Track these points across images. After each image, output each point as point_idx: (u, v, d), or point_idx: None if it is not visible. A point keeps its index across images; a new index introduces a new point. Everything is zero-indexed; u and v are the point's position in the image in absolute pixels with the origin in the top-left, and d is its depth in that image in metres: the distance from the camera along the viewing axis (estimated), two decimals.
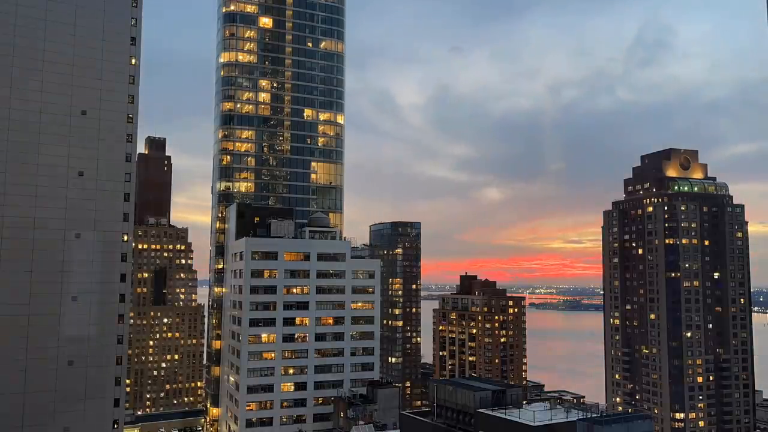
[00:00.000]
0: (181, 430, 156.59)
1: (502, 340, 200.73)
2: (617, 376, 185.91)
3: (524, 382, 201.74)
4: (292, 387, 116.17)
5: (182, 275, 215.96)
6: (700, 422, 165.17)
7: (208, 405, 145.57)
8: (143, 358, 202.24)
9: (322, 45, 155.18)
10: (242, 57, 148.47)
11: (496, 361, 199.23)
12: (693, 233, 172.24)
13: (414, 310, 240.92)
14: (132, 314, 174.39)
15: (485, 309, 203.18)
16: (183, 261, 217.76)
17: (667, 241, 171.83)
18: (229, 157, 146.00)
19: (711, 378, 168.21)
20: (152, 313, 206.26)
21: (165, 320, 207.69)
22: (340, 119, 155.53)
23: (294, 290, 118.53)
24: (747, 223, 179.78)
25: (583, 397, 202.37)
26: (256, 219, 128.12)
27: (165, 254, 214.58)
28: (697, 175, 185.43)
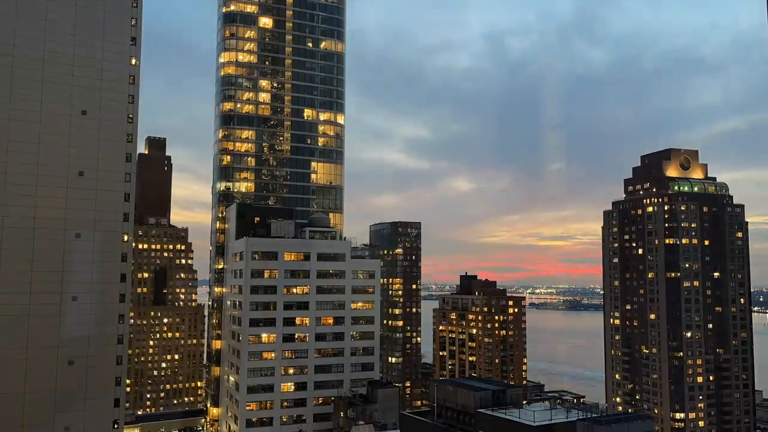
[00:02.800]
0: (181, 430, 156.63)
1: (502, 340, 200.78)
2: (617, 376, 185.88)
3: (524, 382, 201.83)
4: (292, 387, 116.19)
5: (182, 275, 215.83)
6: (700, 422, 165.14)
7: (208, 405, 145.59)
8: (143, 358, 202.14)
9: (322, 45, 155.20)
10: (242, 57, 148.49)
11: (496, 361, 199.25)
12: (693, 233, 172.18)
13: (414, 310, 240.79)
14: (132, 314, 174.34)
15: (485, 309, 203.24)
16: (183, 261, 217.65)
17: (667, 241, 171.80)
18: (229, 157, 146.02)
19: (711, 378, 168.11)
20: (152, 313, 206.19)
21: (165, 320, 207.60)
22: (340, 119, 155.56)
23: (294, 290, 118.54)
24: (747, 223, 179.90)
25: (583, 397, 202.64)
26: (256, 219, 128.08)
27: (165, 254, 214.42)
28: (697, 175, 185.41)
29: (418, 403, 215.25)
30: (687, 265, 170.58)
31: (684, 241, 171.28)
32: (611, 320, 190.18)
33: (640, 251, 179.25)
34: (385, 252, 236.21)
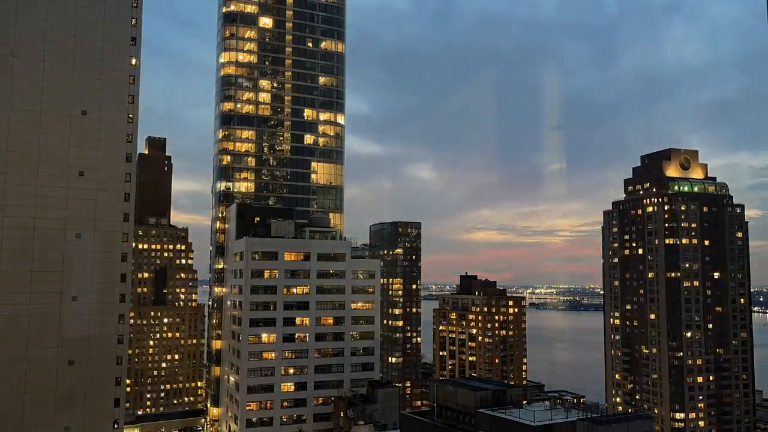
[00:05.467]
0: (181, 430, 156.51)
1: (502, 340, 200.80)
2: (617, 376, 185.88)
3: (524, 382, 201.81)
4: (293, 387, 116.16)
5: (182, 275, 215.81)
6: (700, 422, 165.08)
7: (208, 405, 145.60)
8: (143, 358, 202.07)
9: (322, 45, 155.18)
10: (242, 57, 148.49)
11: (496, 361, 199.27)
12: (693, 233, 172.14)
13: (414, 310, 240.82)
14: (132, 314, 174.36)
15: (485, 309, 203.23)
16: (183, 261, 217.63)
17: (667, 241, 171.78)
18: (229, 157, 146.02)
19: (711, 378, 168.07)
20: (152, 313, 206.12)
21: (165, 320, 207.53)
22: (340, 119, 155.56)
23: (294, 290, 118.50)
24: (747, 222, 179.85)
25: (583, 397, 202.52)
26: (257, 219, 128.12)
27: (165, 254, 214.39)
28: (697, 175, 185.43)
29: (418, 403, 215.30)
30: (687, 265, 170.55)
31: (684, 241, 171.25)
32: (611, 320, 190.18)
33: (640, 251, 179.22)
34: (385, 252, 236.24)
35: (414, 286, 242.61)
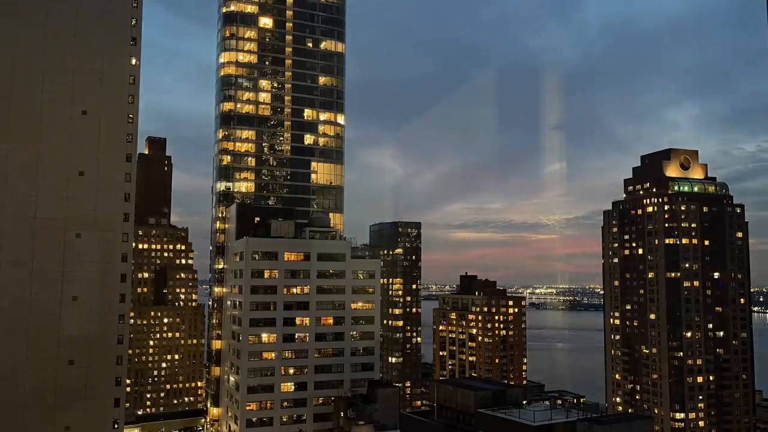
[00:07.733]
0: (181, 430, 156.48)
1: (503, 340, 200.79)
2: (617, 376, 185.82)
3: (524, 382, 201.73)
4: (293, 387, 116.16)
5: (182, 275, 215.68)
6: (700, 422, 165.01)
7: (208, 405, 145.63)
8: (143, 358, 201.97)
9: (322, 45, 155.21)
10: (242, 57, 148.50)
11: (496, 361, 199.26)
12: (693, 233, 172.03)
13: (414, 310, 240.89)
14: (132, 314, 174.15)
15: (485, 309, 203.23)
16: (183, 261, 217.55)
17: (667, 241, 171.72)
18: (229, 157, 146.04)
19: (711, 378, 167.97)
20: (152, 313, 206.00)
21: (165, 320, 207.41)
22: (340, 119, 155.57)
23: (294, 290, 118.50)
24: (747, 223, 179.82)
25: (583, 397, 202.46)
26: (257, 219, 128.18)
27: (165, 254, 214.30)
28: (697, 175, 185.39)
29: (418, 403, 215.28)
30: (687, 265, 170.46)
31: (684, 241, 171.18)
32: (611, 320, 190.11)
33: (640, 251, 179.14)
34: (385, 252, 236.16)
35: (414, 286, 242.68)
